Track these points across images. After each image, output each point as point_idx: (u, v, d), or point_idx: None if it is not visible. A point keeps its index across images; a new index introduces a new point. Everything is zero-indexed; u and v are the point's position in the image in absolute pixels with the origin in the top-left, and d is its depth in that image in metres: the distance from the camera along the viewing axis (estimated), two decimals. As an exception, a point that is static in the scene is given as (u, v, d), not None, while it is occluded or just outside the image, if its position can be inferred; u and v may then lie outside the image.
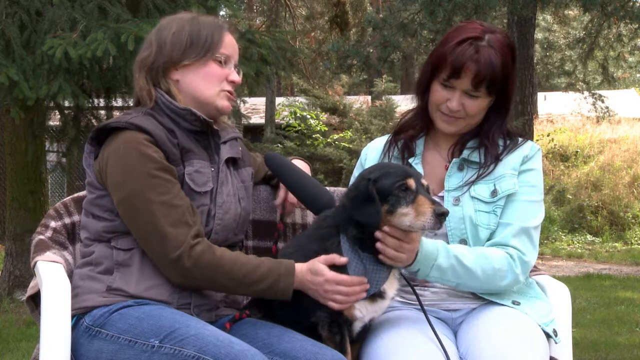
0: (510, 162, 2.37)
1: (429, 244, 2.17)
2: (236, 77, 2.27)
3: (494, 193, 2.33)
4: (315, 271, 2.10)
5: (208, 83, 2.22)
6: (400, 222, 2.05)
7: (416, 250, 2.14)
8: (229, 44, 2.26)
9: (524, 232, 2.30)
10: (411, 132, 2.48)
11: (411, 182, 2.07)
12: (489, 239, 2.31)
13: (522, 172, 2.36)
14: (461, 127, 2.38)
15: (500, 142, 2.41)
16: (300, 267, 2.12)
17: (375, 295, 2.14)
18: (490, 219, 2.31)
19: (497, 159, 2.37)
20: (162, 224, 2.05)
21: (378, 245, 2.09)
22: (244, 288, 2.12)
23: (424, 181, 2.12)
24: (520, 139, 2.43)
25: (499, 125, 2.41)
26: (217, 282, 2.10)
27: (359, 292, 2.11)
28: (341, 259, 2.11)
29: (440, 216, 2.03)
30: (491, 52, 2.30)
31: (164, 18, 2.32)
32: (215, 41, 2.22)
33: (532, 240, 2.32)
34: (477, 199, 2.32)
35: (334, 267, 2.11)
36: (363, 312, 2.15)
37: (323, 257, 2.12)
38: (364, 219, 2.08)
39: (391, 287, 2.18)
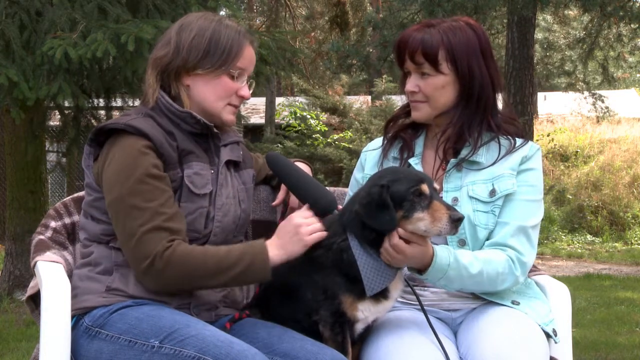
0: (509, 162, 2.36)
1: (442, 258, 2.13)
2: (246, 93, 2.25)
3: (492, 193, 2.32)
4: (282, 226, 2.14)
5: (217, 96, 2.20)
6: (416, 227, 2.05)
7: (427, 253, 2.12)
8: (247, 57, 2.23)
9: (522, 232, 2.29)
10: (411, 130, 2.48)
11: (425, 188, 2.07)
12: (487, 239, 2.31)
13: (521, 171, 2.35)
14: (427, 112, 2.38)
15: (504, 142, 2.39)
16: (270, 239, 2.13)
17: (379, 296, 2.13)
18: (488, 218, 2.30)
19: (501, 158, 2.35)
20: (142, 230, 2.03)
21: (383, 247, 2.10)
22: (221, 276, 2.07)
23: (436, 185, 2.12)
24: (521, 140, 2.42)
25: (478, 116, 2.36)
26: (192, 276, 2.06)
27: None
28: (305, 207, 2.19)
29: (457, 222, 2.03)
30: (429, 31, 2.33)
31: (189, 15, 2.28)
32: (232, 55, 2.19)
33: (530, 240, 2.31)
34: (476, 198, 2.31)
35: (348, 279, 2.12)
36: (366, 313, 2.14)
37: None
38: (379, 226, 2.07)
39: (395, 288, 2.18)
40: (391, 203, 2.05)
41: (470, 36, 2.35)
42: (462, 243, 2.30)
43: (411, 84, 2.37)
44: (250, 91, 2.28)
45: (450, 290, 2.28)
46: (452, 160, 2.37)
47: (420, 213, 2.04)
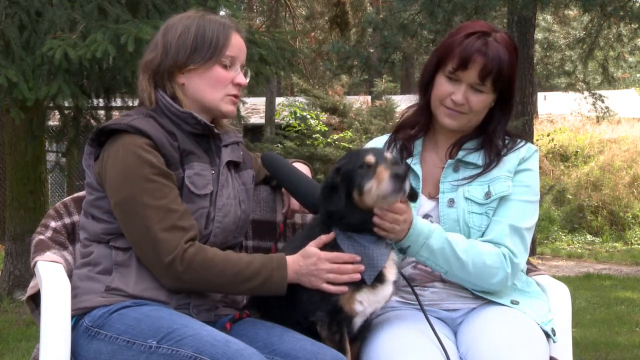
0: (506, 164, 2.36)
1: (423, 223, 2.18)
2: (242, 80, 2.25)
3: (487, 195, 2.32)
4: (307, 255, 2.12)
5: (213, 88, 2.21)
6: (370, 199, 2.05)
7: (409, 221, 2.14)
8: (235, 45, 2.24)
9: (516, 233, 2.29)
10: (410, 131, 2.47)
11: (370, 158, 2.07)
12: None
13: (517, 172, 2.36)
14: (463, 123, 2.36)
15: (500, 143, 2.40)
16: (291, 258, 2.13)
17: (375, 282, 2.13)
18: (482, 220, 2.30)
19: (498, 156, 2.36)
20: (157, 228, 2.05)
21: (375, 220, 2.09)
22: (238, 286, 2.12)
23: (388, 154, 2.09)
24: (519, 141, 2.42)
25: (504, 126, 2.41)
26: (211, 282, 2.10)
27: (352, 270, 2.11)
28: (328, 235, 2.13)
29: (396, 177, 2.00)
30: (499, 47, 2.30)
31: (172, 17, 2.29)
32: (220, 44, 2.20)
33: (523, 242, 2.30)
34: (471, 200, 2.31)
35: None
36: (365, 304, 2.14)
37: (313, 242, 2.14)
38: (332, 207, 2.10)
39: (390, 271, 2.18)
40: (340, 183, 2.08)
41: (515, 55, 2.35)
42: None
43: (461, 95, 2.31)
44: (247, 79, 2.29)
45: (436, 270, 2.27)
46: (449, 162, 2.37)
47: (368, 183, 2.04)
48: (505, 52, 2.30)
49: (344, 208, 2.08)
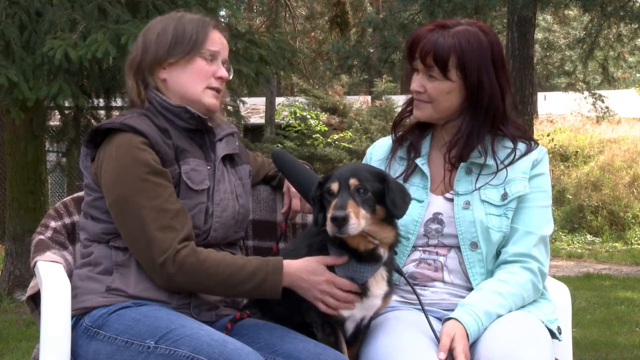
0: (520, 166, 2.36)
1: (474, 328, 2.14)
2: (224, 73, 2.27)
3: (504, 196, 2.32)
4: (314, 270, 2.09)
5: (194, 80, 2.22)
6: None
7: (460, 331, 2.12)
8: (216, 41, 2.26)
9: (542, 241, 2.33)
10: (417, 131, 2.48)
11: (334, 186, 2.04)
12: (501, 242, 2.31)
13: (533, 176, 2.36)
14: (429, 113, 2.37)
15: (519, 146, 2.38)
16: (291, 264, 2.10)
17: (361, 295, 2.12)
18: (501, 221, 2.31)
19: (511, 160, 2.35)
20: (150, 228, 2.05)
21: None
22: (231, 289, 2.11)
23: (353, 181, 2.04)
24: (533, 143, 2.42)
25: (486, 126, 2.35)
26: (203, 284, 2.10)
27: (352, 300, 2.10)
28: (342, 259, 2.10)
29: (333, 220, 1.97)
30: (444, 34, 2.31)
31: (155, 18, 2.33)
32: (200, 38, 2.22)
33: (547, 248, 2.35)
34: (488, 202, 2.31)
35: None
36: (351, 310, 2.13)
37: (322, 259, 2.11)
38: (313, 220, 2.12)
39: (377, 286, 2.15)
40: (317, 201, 2.10)
41: (483, 45, 2.32)
42: (475, 246, 2.30)
43: (417, 83, 2.36)
44: (231, 76, 2.30)
45: None
46: (463, 164, 2.37)
47: (328, 212, 2.03)
48: (449, 38, 2.29)
49: (319, 222, 2.09)
